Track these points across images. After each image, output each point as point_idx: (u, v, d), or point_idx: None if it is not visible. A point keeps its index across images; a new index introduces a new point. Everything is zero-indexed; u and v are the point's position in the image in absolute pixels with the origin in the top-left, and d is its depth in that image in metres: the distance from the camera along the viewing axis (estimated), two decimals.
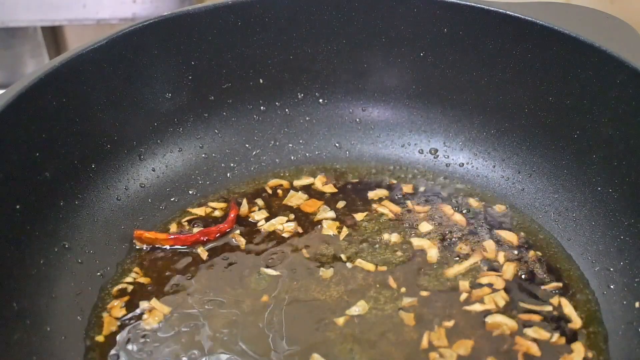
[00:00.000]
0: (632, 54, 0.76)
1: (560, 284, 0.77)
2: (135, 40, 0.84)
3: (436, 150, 0.93)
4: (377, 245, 0.82)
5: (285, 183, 0.91)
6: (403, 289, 0.77)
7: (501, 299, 0.75)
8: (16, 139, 0.73)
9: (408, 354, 0.70)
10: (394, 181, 0.91)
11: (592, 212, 0.82)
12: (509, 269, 0.78)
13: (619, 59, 0.76)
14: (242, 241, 0.83)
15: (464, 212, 0.86)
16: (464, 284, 0.77)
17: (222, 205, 0.88)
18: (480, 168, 0.91)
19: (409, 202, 0.87)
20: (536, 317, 0.74)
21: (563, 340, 0.72)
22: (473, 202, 0.87)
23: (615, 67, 0.77)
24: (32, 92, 0.75)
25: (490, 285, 0.77)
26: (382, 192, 0.89)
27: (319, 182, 0.91)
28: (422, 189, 0.89)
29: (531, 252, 0.81)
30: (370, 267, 0.79)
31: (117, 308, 0.75)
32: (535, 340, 0.71)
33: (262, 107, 0.94)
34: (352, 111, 0.95)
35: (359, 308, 0.75)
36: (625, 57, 0.76)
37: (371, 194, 0.89)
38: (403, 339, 0.72)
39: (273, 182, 0.91)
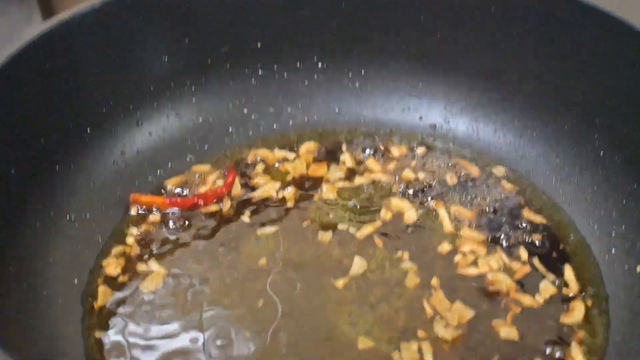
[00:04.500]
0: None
1: (561, 249, 0.77)
2: (129, 3, 0.82)
3: (437, 115, 0.92)
4: (376, 209, 0.81)
5: (283, 148, 0.90)
6: (401, 253, 0.76)
7: (495, 262, 0.75)
8: (9, 103, 0.72)
9: (408, 317, 0.70)
10: (394, 145, 0.90)
11: (594, 177, 0.81)
12: (508, 233, 0.78)
13: (622, 21, 0.75)
14: (239, 205, 0.82)
15: (463, 176, 0.85)
16: (461, 248, 0.77)
17: (220, 169, 0.87)
18: (481, 133, 0.90)
19: (407, 167, 0.86)
20: (535, 279, 0.73)
21: (562, 302, 0.72)
22: (473, 167, 0.86)
23: (620, 30, 0.75)
24: (25, 56, 0.73)
25: (486, 247, 0.77)
26: (381, 157, 0.88)
27: (315, 147, 0.90)
28: (421, 153, 0.88)
29: (532, 217, 0.80)
30: (369, 230, 0.79)
31: (114, 272, 0.75)
32: (533, 298, 0.72)
33: (260, 71, 0.92)
34: (352, 75, 0.93)
35: (357, 267, 0.74)
36: (629, 20, 0.75)
37: (370, 158, 0.88)
38: (402, 302, 0.71)
39: (271, 146, 0.90)
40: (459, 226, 0.79)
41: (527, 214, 0.81)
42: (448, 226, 0.79)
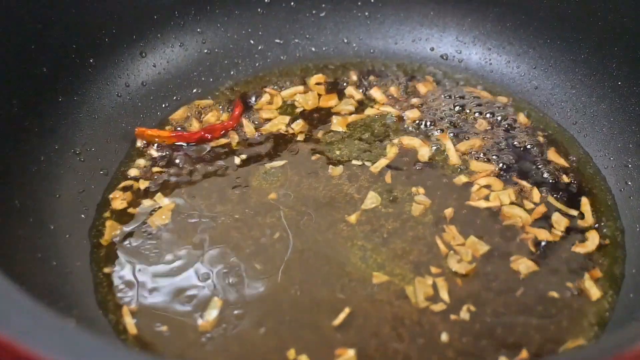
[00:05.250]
0: None
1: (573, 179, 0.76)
2: None
3: (448, 45, 0.89)
4: (387, 144, 0.79)
5: (290, 80, 0.87)
6: (415, 188, 0.75)
7: (507, 197, 0.73)
8: (8, 30, 0.70)
9: (421, 253, 0.69)
10: (404, 78, 0.87)
11: (612, 108, 0.79)
12: (521, 165, 0.76)
13: None
14: (247, 139, 0.80)
15: (477, 110, 0.83)
16: (476, 182, 0.75)
17: (227, 102, 0.84)
18: (495, 63, 0.87)
19: (418, 100, 0.84)
20: (550, 213, 0.72)
21: (577, 234, 0.71)
22: (486, 94, 0.84)
23: None
24: None
25: (500, 181, 0.75)
26: (391, 89, 0.85)
27: (324, 79, 0.87)
28: (433, 85, 0.86)
29: (546, 150, 0.78)
30: (380, 164, 0.77)
31: (120, 206, 0.73)
32: (548, 232, 0.71)
33: (266, 0, 0.89)
34: (361, 4, 0.90)
35: (370, 202, 0.73)
36: None
37: (379, 91, 0.85)
38: (415, 237, 0.70)
39: (278, 79, 0.87)
40: (469, 159, 0.77)
41: (541, 146, 0.79)
42: (454, 158, 0.77)
